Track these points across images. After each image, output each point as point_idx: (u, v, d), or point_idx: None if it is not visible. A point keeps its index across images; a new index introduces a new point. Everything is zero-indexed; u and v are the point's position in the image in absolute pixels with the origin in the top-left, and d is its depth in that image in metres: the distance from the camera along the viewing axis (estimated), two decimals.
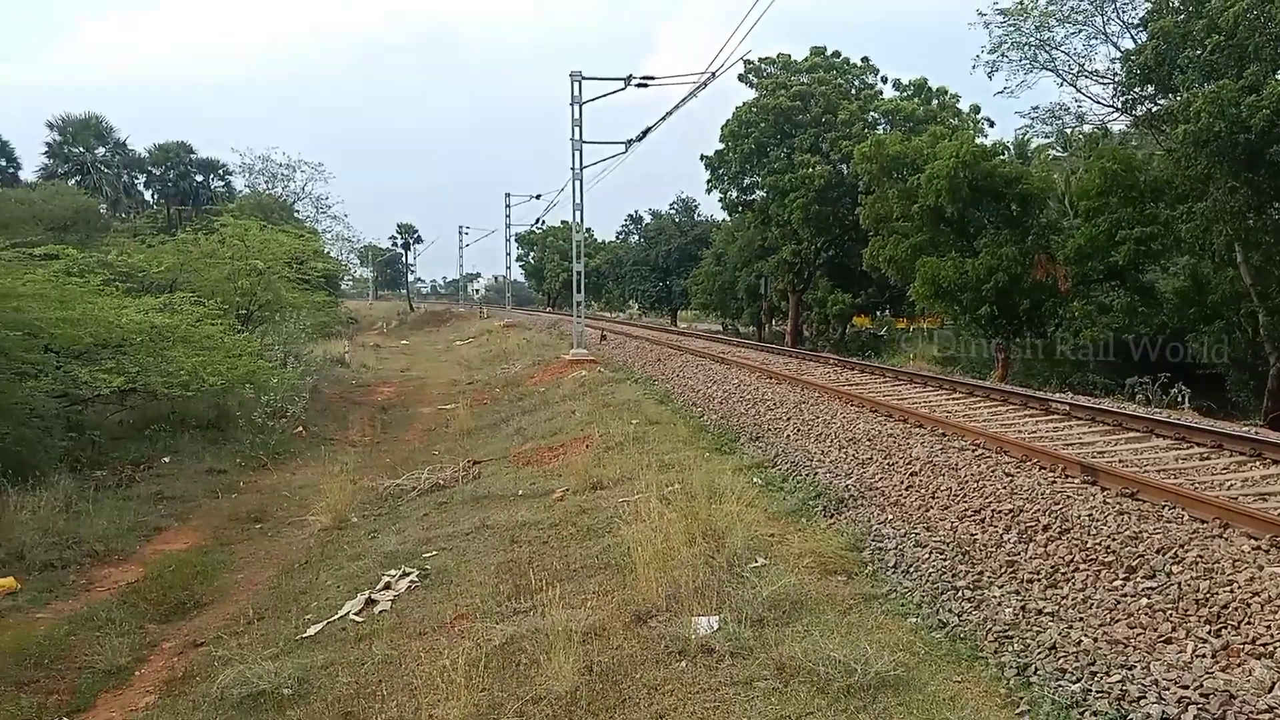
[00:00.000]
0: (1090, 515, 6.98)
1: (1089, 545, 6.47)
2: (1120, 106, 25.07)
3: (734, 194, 41.85)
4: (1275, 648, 4.86)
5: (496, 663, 5.97)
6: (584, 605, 6.74)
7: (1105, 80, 25.69)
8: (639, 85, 24.24)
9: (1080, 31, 25.84)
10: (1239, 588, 5.48)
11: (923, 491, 8.48)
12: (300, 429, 18.56)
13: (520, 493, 11.29)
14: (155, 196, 52.78)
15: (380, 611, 7.90)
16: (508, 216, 61.42)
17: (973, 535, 7.18)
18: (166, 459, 15.12)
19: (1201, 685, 4.61)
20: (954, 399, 13.99)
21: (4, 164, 49.48)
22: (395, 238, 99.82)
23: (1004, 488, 8.04)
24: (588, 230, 67.30)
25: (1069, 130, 29.81)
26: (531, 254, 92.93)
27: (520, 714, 5.33)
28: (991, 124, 36.55)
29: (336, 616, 7.94)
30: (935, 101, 37.64)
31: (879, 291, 38.07)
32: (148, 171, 52.24)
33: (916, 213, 26.28)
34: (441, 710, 5.46)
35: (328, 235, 48.93)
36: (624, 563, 7.28)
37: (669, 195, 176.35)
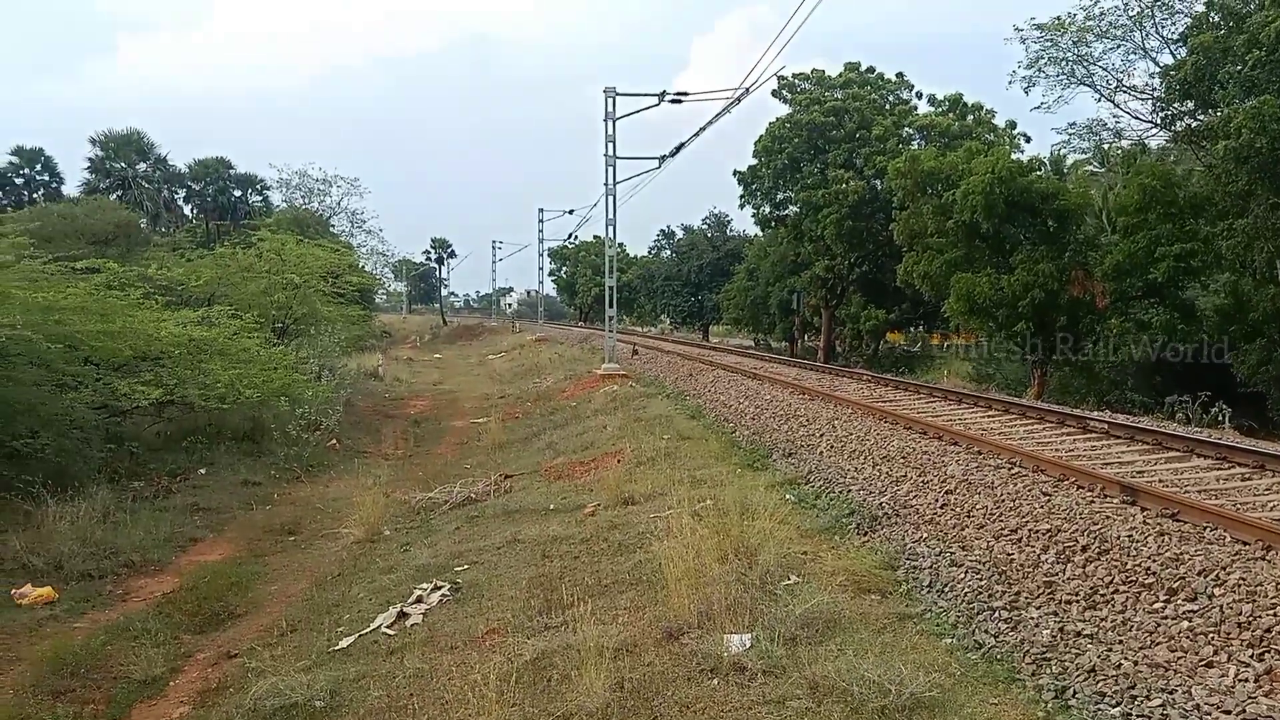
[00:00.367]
0: (1130, 536, 6.86)
1: (1129, 566, 6.36)
2: (1159, 122, 24.83)
3: (767, 209, 41.68)
4: None
5: (528, 678, 5.96)
6: (615, 621, 6.73)
7: (1144, 95, 25.55)
8: (673, 101, 24.35)
9: (1118, 47, 25.76)
10: None
11: (958, 510, 8.39)
12: (334, 442, 18.70)
13: (551, 507, 11.32)
14: (194, 211, 53.56)
15: (412, 625, 7.93)
16: (541, 231, 61.83)
17: (1009, 555, 7.08)
18: (202, 470, 15.26)
19: (1244, 711, 4.52)
20: (989, 416, 13.84)
21: (48, 179, 50.70)
22: (429, 252, 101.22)
23: (1041, 507, 7.93)
24: (620, 245, 67.65)
25: (1106, 146, 29.58)
26: (564, 268, 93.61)
27: None
28: (1028, 139, 36.16)
29: (369, 629, 7.97)
30: (970, 117, 37.29)
31: (912, 307, 37.72)
32: (187, 186, 52.99)
33: (951, 228, 26.05)
34: None
35: (362, 249, 49.67)
36: (655, 579, 7.27)
37: (702, 210, 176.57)
